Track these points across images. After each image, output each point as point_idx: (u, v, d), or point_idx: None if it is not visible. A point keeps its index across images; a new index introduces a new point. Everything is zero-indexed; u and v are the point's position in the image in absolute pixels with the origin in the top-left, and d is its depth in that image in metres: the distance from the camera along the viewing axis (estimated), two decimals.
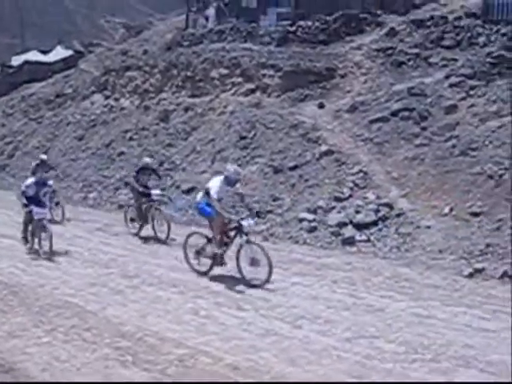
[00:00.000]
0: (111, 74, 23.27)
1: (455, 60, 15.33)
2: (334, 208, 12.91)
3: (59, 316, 8.76)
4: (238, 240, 10.03)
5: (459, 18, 16.58)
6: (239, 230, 9.93)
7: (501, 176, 11.80)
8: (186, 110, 19.21)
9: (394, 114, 14.59)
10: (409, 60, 16.16)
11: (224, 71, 18.95)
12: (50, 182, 14.07)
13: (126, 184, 17.10)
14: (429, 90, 14.72)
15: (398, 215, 12.11)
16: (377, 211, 12.30)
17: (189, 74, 19.94)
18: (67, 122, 23.21)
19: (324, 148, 14.65)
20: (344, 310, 8.64)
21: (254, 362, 7.10)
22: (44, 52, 34.17)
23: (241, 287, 9.69)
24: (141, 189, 13.49)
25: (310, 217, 12.87)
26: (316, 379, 6.70)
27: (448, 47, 15.93)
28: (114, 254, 12.11)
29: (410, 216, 11.99)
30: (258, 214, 13.26)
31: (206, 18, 24.06)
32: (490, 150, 12.51)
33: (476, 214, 11.39)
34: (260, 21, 21.33)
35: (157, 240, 13.07)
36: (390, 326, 8.01)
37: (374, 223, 12.10)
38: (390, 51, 16.69)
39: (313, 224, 12.68)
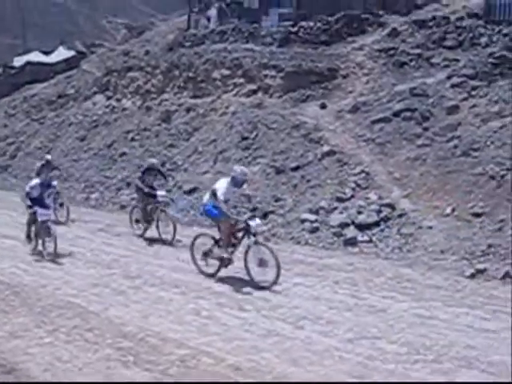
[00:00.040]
0: (113, 75, 23.31)
1: (457, 60, 15.33)
2: (335, 208, 12.91)
3: (61, 316, 8.75)
4: (245, 241, 9.95)
5: (461, 19, 16.59)
6: (247, 230, 9.84)
7: (502, 177, 11.80)
8: (188, 110, 19.23)
9: (396, 114, 14.60)
10: (411, 60, 16.17)
11: (226, 72, 18.96)
12: (54, 183, 14.06)
13: (129, 184, 17.14)
14: (431, 91, 14.72)
15: (400, 216, 12.11)
16: (379, 212, 12.30)
17: (191, 74, 19.96)
18: (69, 123, 23.26)
19: (326, 148, 14.65)
20: (346, 311, 8.63)
21: (256, 363, 7.09)
22: (46, 53, 34.26)
23: (242, 288, 9.68)
24: (146, 189, 13.32)
25: (312, 217, 12.86)
26: (318, 380, 6.70)
27: (450, 48, 15.93)
28: (116, 255, 12.11)
29: (411, 216, 11.99)
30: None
31: (208, 19, 24.06)
32: (492, 150, 12.50)
33: (478, 215, 11.38)
34: (262, 21, 21.33)
35: (161, 241, 12.95)
36: (392, 327, 8.00)
37: (376, 224, 12.09)
38: (391, 51, 16.69)
39: (315, 224, 12.67)
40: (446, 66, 15.35)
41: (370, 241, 11.79)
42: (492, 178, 11.92)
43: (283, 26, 19.91)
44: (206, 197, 10.44)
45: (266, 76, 17.97)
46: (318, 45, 18.37)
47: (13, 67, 32.93)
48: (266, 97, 17.63)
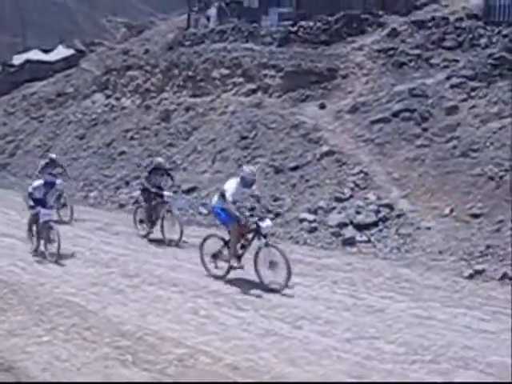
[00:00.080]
0: (112, 74, 23.30)
1: (456, 61, 15.34)
2: (334, 208, 12.91)
3: (59, 315, 8.75)
4: (255, 242, 9.74)
5: (461, 19, 16.59)
6: (257, 232, 9.60)
7: (501, 177, 11.81)
8: (187, 109, 19.23)
9: (395, 114, 14.60)
10: (410, 61, 16.17)
11: (225, 71, 18.96)
12: (58, 181, 13.91)
13: (127, 183, 17.06)
14: (430, 91, 14.73)
15: (399, 216, 12.12)
16: (377, 212, 12.31)
17: (190, 73, 19.96)
18: (68, 121, 23.24)
19: (325, 148, 14.66)
20: (344, 311, 8.64)
21: (254, 362, 7.10)
22: (45, 51, 34.20)
23: (241, 287, 9.68)
24: (154, 189, 13.08)
25: (311, 217, 12.87)
26: (316, 379, 6.70)
27: (449, 48, 15.93)
28: (115, 254, 12.09)
29: (410, 217, 12.00)
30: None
31: (208, 18, 24.07)
32: (491, 151, 12.51)
33: (476, 216, 11.40)
34: (261, 21, 21.34)
35: (165, 242, 12.70)
36: (390, 327, 8.01)
37: (375, 224, 12.11)
38: (391, 52, 16.69)
39: (313, 224, 12.68)
40: (446, 67, 15.35)
41: (369, 241, 11.80)
42: (491, 178, 11.93)
43: (283, 26, 19.92)
44: (215, 198, 10.21)
45: (265, 76, 17.98)
46: (318, 45, 18.37)
47: (12, 65, 32.88)
48: (265, 96, 17.64)
